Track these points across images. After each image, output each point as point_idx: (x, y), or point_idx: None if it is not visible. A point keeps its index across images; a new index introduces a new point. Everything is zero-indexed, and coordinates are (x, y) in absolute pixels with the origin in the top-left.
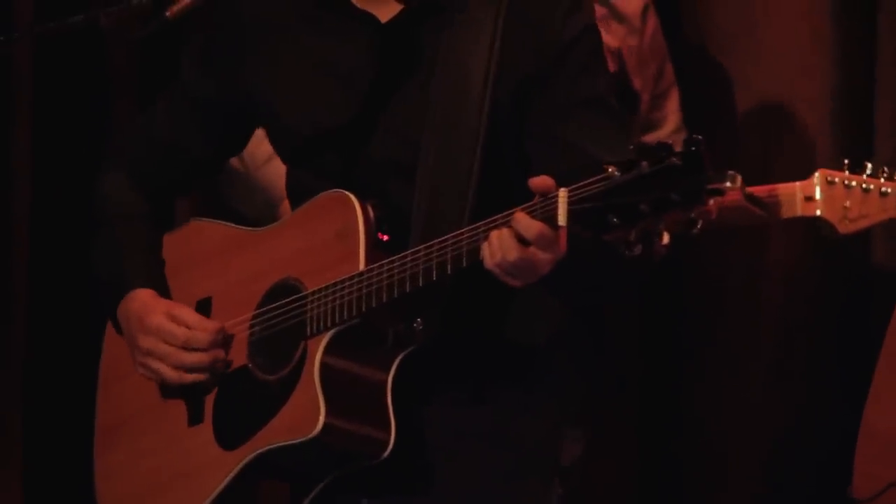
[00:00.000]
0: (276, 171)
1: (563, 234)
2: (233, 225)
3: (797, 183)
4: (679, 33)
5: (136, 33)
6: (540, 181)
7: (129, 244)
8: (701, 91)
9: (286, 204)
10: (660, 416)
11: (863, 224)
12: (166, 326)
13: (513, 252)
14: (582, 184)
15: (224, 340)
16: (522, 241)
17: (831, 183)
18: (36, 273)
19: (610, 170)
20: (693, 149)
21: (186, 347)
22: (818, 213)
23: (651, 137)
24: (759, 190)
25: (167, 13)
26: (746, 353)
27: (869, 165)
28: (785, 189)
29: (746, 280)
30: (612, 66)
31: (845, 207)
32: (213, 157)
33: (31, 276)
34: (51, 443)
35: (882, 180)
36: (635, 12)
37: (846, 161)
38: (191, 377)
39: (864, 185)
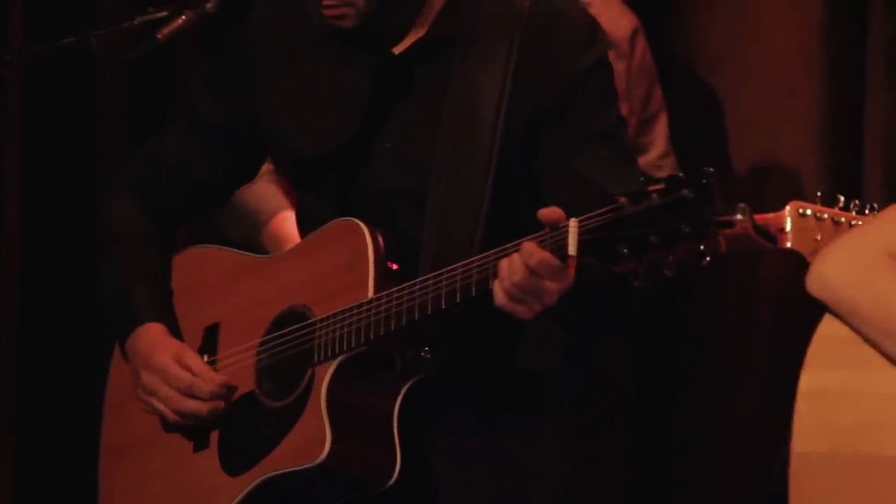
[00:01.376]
0: (258, 193)
1: (572, 265)
2: (239, 251)
3: (770, 215)
4: (668, 55)
5: (128, 56)
6: (549, 212)
7: (137, 270)
8: (690, 111)
9: (270, 227)
10: (653, 436)
11: None
12: (171, 370)
13: (522, 281)
14: (592, 214)
15: (227, 394)
16: (531, 271)
17: (803, 215)
18: (26, 293)
19: (621, 200)
20: (704, 181)
21: (188, 394)
22: (788, 244)
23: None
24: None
25: (158, 35)
26: (740, 371)
27: (841, 199)
28: (758, 220)
29: (740, 298)
30: None
31: (816, 240)
32: (223, 184)
33: (21, 296)
34: (43, 461)
35: (853, 213)
36: (624, 36)
37: (819, 193)
38: (189, 423)
39: (835, 218)
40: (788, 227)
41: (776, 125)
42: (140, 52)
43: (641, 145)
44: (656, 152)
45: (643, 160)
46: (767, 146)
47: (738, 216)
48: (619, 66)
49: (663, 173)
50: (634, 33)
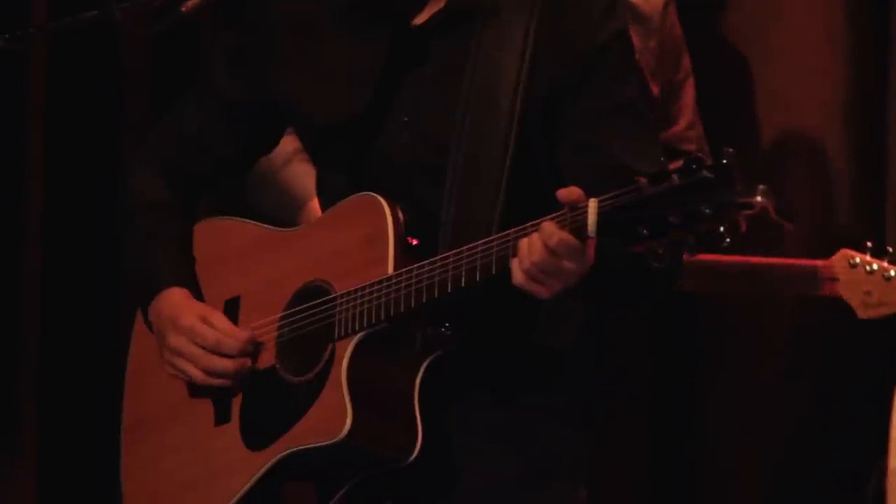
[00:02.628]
0: (294, 173)
1: (591, 245)
2: (261, 224)
3: (819, 262)
4: (695, 31)
5: (151, 29)
6: (568, 192)
7: (160, 239)
8: (714, 90)
9: (309, 207)
10: (671, 421)
11: (883, 311)
12: (198, 328)
13: (541, 261)
14: (612, 194)
15: (254, 350)
16: (551, 251)
17: (853, 266)
18: (50, 270)
19: (640, 181)
20: (724, 162)
21: (216, 351)
22: (840, 296)
23: (665, 135)
24: (779, 263)
25: (182, 9)
26: (756, 359)
27: (890, 250)
28: (806, 266)
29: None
30: None
31: (866, 293)
32: (243, 157)
33: (44, 273)
34: (66, 438)
35: None
36: (656, 9)
37: (869, 244)
38: (216, 381)
39: (885, 274)
40: (840, 276)
41: (799, 104)
42: (163, 25)
43: (667, 116)
44: (684, 122)
45: (671, 131)
46: (790, 125)
47: (759, 198)
48: (650, 44)
49: (690, 145)
50: (665, 6)
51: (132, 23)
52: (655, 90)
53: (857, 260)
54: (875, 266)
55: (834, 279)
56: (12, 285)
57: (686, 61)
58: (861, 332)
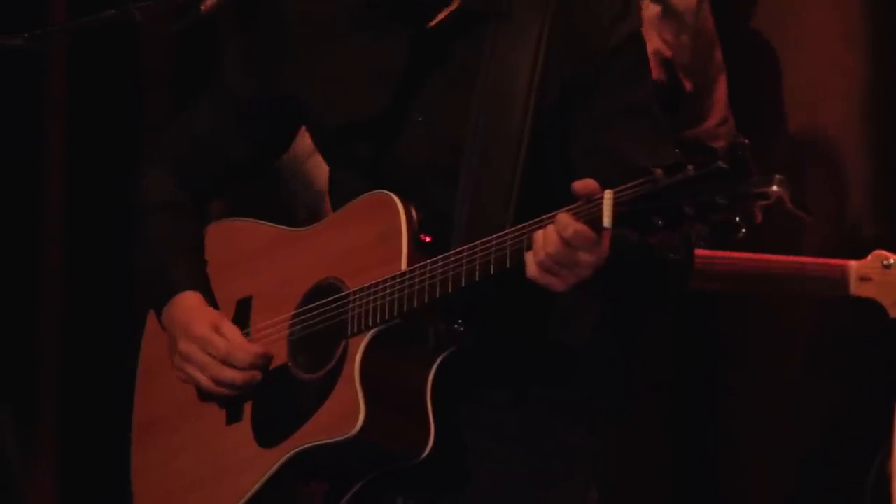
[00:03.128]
0: (319, 166)
1: (607, 236)
2: (272, 224)
3: (853, 262)
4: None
5: (171, 28)
6: (584, 184)
7: (172, 240)
8: (734, 86)
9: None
10: (691, 419)
11: None
12: (210, 338)
13: (556, 253)
14: (627, 186)
15: (264, 365)
16: (566, 242)
17: (887, 266)
18: (70, 269)
19: (656, 172)
20: (739, 152)
21: (225, 362)
22: (873, 296)
23: (696, 131)
24: (810, 262)
25: (201, 7)
26: (778, 358)
27: None
28: (839, 266)
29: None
30: (662, 75)
31: None
32: (256, 157)
33: (64, 272)
34: (85, 437)
35: None
36: (689, 4)
37: None
38: (224, 391)
39: None
40: (873, 277)
41: (817, 100)
42: (183, 24)
43: (699, 112)
44: (714, 119)
45: (702, 127)
46: (808, 121)
47: (774, 187)
48: (683, 40)
49: (721, 142)
50: (700, 1)
51: (152, 21)
52: (688, 86)
53: (892, 261)
54: None
55: (867, 279)
56: (31, 284)
57: (719, 57)
58: (883, 332)
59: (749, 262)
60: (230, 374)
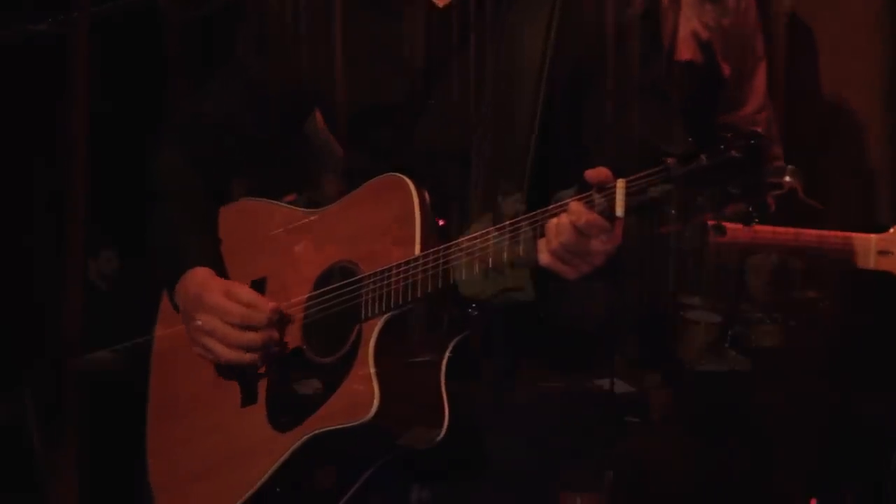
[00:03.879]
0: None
1: (619, 225)
2: (287, 205)
3: (873, 235)
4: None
5: (193, 13)
6: (596, 172)
7: (186, 220)
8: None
9: None
10: (704, 396)
11: None
12: (223, 304)
13: (569, 242)
14: (640, 175)
15: (280, 320)
16: (579, 231)
17: None
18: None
19: (669, 161)
20: (752, 142)
21: (243, 326)
22: (892, 270)
23: (733, 117)
24: (830, 235)
25: None
26: (797, 349)
27: None
28: (859, 239)
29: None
30: (699, 57)
31: None
32: (269, 136)
33: (87, 262)
34: (108, 432)
35: None
36: None
37: None
38: (246, 356)
39: None
40: (893, 251)
41: (840, 88)
42: (206, 9)
43: (737, 97)
44: (752, 106)
45: (740, 113)
46: (831, 109)
47: (787, 178)
48: (724, 23)
49: (757, 129)
50: None
51: (174, 7)
52: (726, 70)
53: None
54: None
55: (886, 253)
56: (54, 273)
57: (759, 44)
58: None
59: (771, 234)
60: (249, 337)
